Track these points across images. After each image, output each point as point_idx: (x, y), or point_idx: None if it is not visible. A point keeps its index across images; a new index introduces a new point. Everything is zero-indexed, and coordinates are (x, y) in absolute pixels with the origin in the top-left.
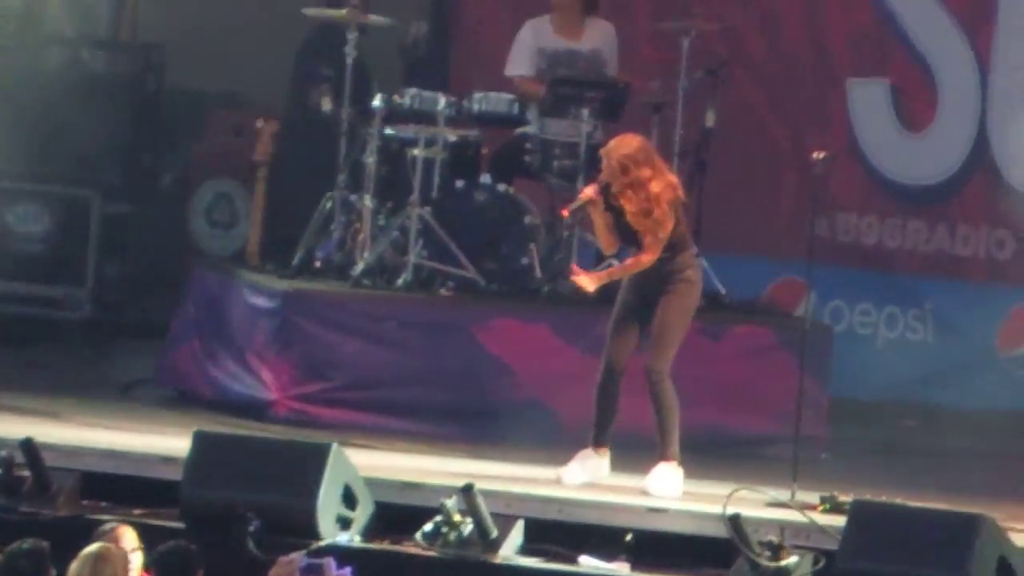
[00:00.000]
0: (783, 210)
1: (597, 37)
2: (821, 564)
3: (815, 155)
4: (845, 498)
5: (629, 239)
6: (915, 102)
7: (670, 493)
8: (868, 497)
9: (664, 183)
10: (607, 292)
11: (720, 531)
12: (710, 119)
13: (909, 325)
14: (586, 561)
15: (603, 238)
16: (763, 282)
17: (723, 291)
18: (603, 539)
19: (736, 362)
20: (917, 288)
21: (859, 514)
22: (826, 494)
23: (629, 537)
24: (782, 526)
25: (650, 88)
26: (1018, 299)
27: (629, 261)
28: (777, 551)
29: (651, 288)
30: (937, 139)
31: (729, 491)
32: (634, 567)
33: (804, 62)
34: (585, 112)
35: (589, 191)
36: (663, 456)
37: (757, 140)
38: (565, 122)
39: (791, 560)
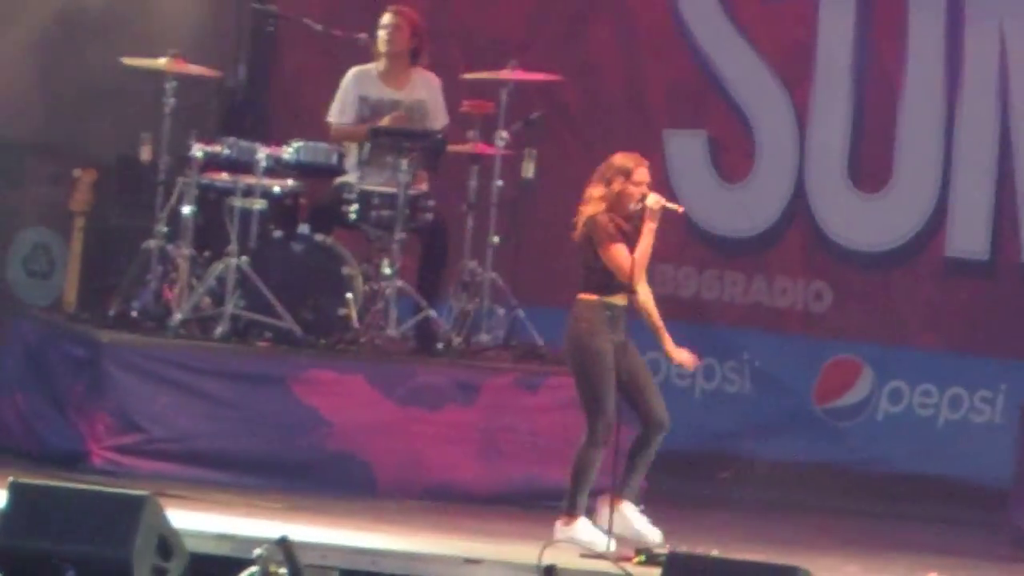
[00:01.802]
0: None
1: (421, 88)
2: None
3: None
4: (661, 550)
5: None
6: (733, 154)
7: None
8: (684, 549)
9: None
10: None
11: None
12: (528, 170)
13: (726, 377)
14: None
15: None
16: None
17: (541, 342)
18: None
19: (552, 413)
20: (735, 340)
21: (674, 567)
22: (641, 546)
23: None
24: None
25: (468, 139)
26: (835, 351)
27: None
28: None
29: (623, 338)
30: (755, 191)
31: (544, 542)
32: None
33: (621, 113)
34: (404, 162)
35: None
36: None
37: (575, 191)
38: (384, 172)
39: None
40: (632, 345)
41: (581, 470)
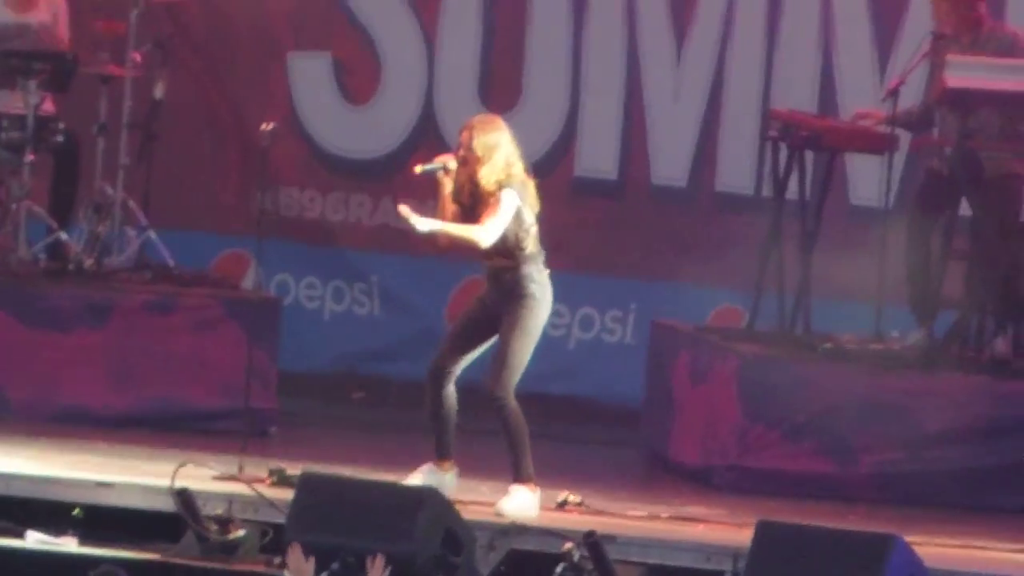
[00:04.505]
0: (228, 184)
1: (46, 10)
2: (269, 537)
3: (264, 126)
4: (293, 471)
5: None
6: (358, 76)
7: (528, 514)
8: (316, 469)
9: (521, 179)
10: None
11: (169, 505)
12: (159, 91)
13: (356, 299)
14: (33, 536)
15: (443, 208)
16: (210, 255)
17: (172, 263)
18: (51, 513)
19: (185, 335)
20: (363, 262)
21: (307, 486)
22: (275, 467)
23: (77, 511)
24: (230, 499)
25: (99, 59)
26: (466, 271)
27: (467, 226)
28: (225, 525)
29: (493, 300)
30: (380, 113)
31: (177, 465)
32: (82, 542)
33: (245, 36)
34: (33, 84)
35: (447, 156)
36: (518, 478)
37: (203, 114)
38: (13, 94)
39: (239, 533)
40: (506, 316)
41: None
